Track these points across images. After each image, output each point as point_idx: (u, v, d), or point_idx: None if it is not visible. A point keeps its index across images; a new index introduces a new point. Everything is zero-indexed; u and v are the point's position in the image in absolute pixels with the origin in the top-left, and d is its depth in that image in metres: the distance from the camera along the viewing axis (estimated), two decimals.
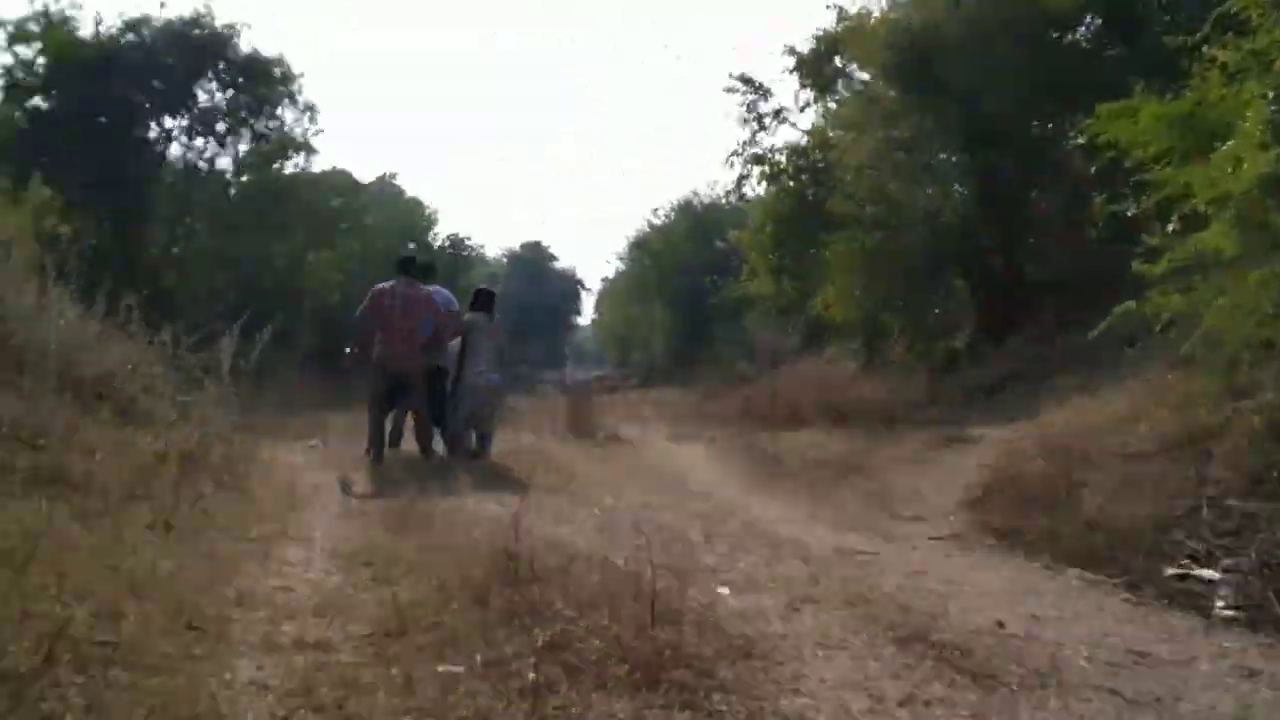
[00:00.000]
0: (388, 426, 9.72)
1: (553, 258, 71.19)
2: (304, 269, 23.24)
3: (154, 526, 5.54)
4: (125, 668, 3.23)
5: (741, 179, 22.68)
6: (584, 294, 72.19)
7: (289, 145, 20.17)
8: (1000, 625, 4.54)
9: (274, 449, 10.17)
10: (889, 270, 18.38)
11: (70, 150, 17.54)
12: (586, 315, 75.87)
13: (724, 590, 4.82)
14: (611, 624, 3.84)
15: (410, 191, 41.64)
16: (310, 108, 25.31)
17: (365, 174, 36.02)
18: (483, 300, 10.08)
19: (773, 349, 31.57)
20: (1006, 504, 7.51)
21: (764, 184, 21.69)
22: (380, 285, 9.39)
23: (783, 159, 20.85)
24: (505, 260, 66.87)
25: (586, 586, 4.47)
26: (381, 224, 34.19)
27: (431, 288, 9.89)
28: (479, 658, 3.49)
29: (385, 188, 56.19)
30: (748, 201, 23.24)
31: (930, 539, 7.11)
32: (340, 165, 42.08)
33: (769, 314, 32.35)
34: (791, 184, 20.56)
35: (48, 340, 8.68)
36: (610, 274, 58.91)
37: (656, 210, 42.51)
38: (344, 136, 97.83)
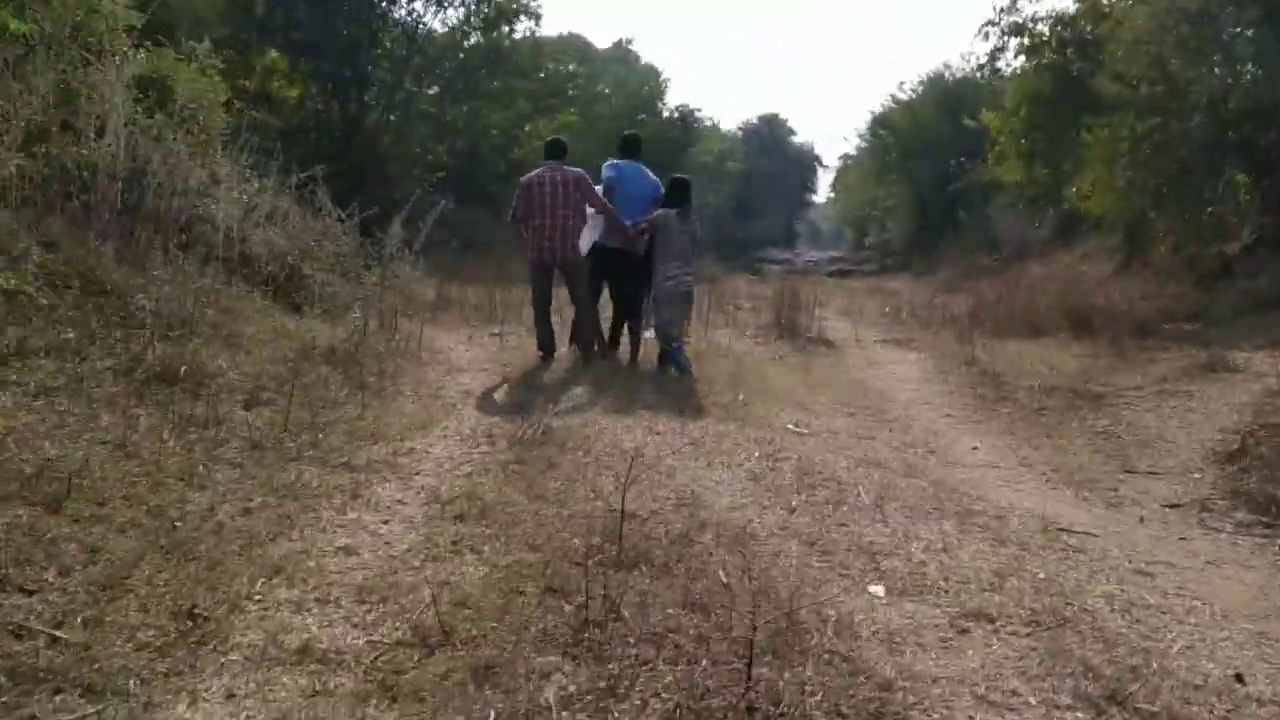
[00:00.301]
0: (557, 325, 8.97)
1: (791, 132, 68.72)
2: (522, 139, 22.88)
3: (255, 445, 5.04)
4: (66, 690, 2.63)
5: (996, 52, 20.53)
6: (821, 171, 69.54)
7: (511, 7, 19.42)
8: (1239, 681, 3.33)
9: (447, 338, 9.72)
10: (1160, 160, 16.05)
11: (288, 9, 17.55)
12: (823, 194, 73.38)
13: (878, 590, 3.79)
14: (700, 651, 2.97)
15: (646, 58, 40.19)
16: None
17: (602, 39, 34.88)
18: (677, 192, 8.99)
19: (1019, 240, 29.20)
20: (1271, 463, 6.06)
21: (1022, 58, 19.40)
22: (529, 175, 8.54)
23: (1045, 29, 18.49)
24: (740, 134, 64.93)
25: (697, 578, 3.60)
26: (609, 92, 33.46)
27: (635, 167, 8.92)
28: (496, 712, 2.70)
29: (619, 54, 55.82)
30: (1002, 77, 20.90)
31: (1166, 506, 5.76)
32: (575, 31, 41.59)
33: (1017, 202, 29.90)
34: (1054, 58, 18.23)
35: (215, 216, 8.43)
36: (851, 151, 56.34)
37: (903, 84, 39.74)
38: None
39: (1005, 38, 19.83)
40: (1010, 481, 6.19)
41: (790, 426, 6.91)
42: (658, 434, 5.99)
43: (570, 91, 30.85)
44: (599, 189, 8.52)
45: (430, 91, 19.82)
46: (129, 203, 7.68)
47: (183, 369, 5.65)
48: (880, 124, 40.13)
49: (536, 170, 8.45)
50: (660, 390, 7.54)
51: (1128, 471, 6.58)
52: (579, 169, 8.42)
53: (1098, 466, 6.70)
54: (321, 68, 18.31)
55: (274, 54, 18.34)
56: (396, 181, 17.51)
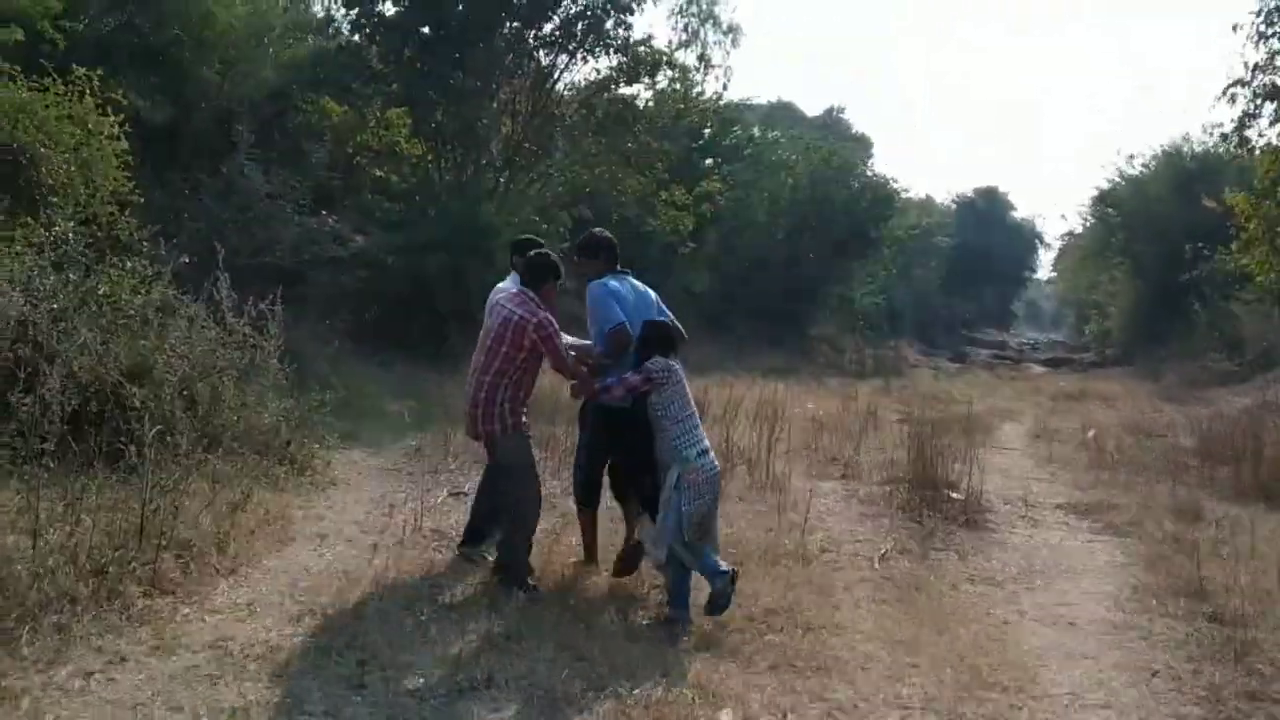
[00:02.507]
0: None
1: (1010, 206, 64.02)
2: (657, 208, 20.46)
3: None
4: None
5: (1246, 118, 16.52)
6: (1043, 249, 64.39)
7: (650, 59, 17.00)
8: None
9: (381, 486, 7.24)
10: None
11: (400, 55, 15.87)
12: (1045, 272, 68.02)
13: None
14: None
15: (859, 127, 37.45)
16: (732, 29, 22.27)
17: (812, 107, 32.58)
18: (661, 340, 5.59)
19: (1266, 343, 24.55)
20: None
21: (1275, 126, 15.52)
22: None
23: None
24: (954, 206, 60.87)
25: None
26: (790, 158, 30.75)
27: (635, 286, 5.82)
28: None
29: (829, 121, 53.17)
30: (1253, 150, 16.96)
31: None
32: (785, 98, 39.30)
33: (1266, 298, 25.20)
34: None
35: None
36: (1075, 228, 51.37)
37: (1132, 158, 35.16)
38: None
39: (1259, 102, 15.92)
40: None
41: None
42: None
43: (745, 157, 28.38)
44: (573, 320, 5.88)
45: (557, 154, 17.73)
46: None
47: None
48: (1104, 201, 35.66)
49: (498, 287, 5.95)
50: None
51: None
52: (541, 317, 5.44)
53: None
54: (430, 121, 16.55)
55: (396, 109, 16.71)
56: (501, 252, 15.37)
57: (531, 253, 5.74)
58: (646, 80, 17.58)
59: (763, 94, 56.68)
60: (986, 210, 62.20)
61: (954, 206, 61.15)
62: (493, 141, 17.09)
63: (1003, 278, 62.67)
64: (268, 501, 6.39)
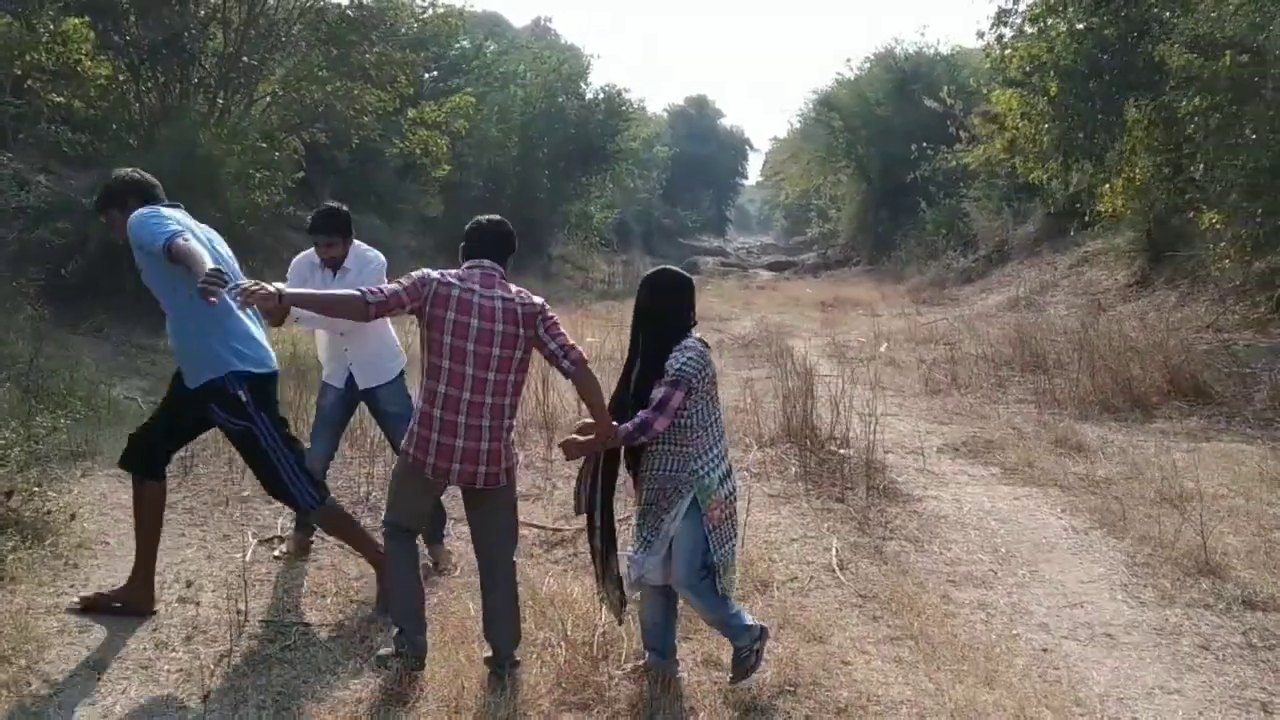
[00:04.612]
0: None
1: (719, 114, 64.85)
2: (405, 127, 18.13)
3: None
4: None
5: (1003, 14, 16.25)
6: (751, 154, 65.88)
7: None
8: None
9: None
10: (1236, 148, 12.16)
11: None
12: (753, 177, 69.71)
13: None
14: None
15: (568, 38, 35.78)
16: None
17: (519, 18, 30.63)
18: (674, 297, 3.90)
19: (997, 238, 25.41)
20: None
21: (1040, 21, 15.27)
22: (433, 273, 3.83)
23: None
24: (666, 116, 60.77)
25: None
26: (524, 70, 28.84)
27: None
28: None
29: (538, 32, 51.13)
30: (1004, 48, 16.75)
31: None
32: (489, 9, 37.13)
33: (993, 193, 26.06)
34: (1088, 20, 14.18)
35: None
36: (782, 134, 52.36)
37: (849, 61, 35.72)
38: None
39: None
40: None
41: None
42: None
43: (472, 69, 26.19)
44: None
45: (279, 70, 14.97)
46: None
47: None
48: (825, 104, 36.03)
49: (450, 271, 3.85)
50: None
51: None
52: (536, 299, 3.85)
53: None
54: (121, 33, 13.47)
55: (74, 20, 13.45)
56: (229, 190, 12.81)
57: (486, 219, 3.98)
58: None
59: (477, 2, 53.79)
60: (698, 118, 62.70)
61: (666, 115, 61.02)
62: (203, 57, 14.16)
63: (717, 185, 63.62)
64: None
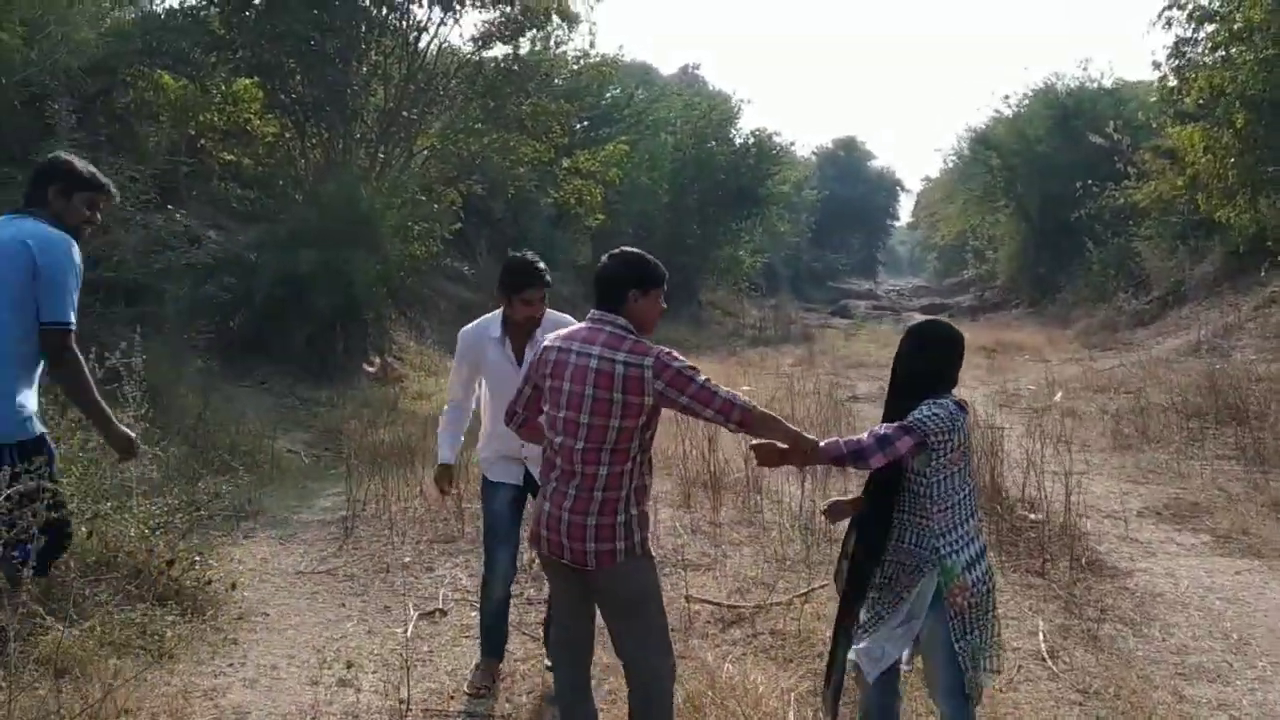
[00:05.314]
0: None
1: (869, 156, 63.95)
2: (559, 176, 18.22)
3: None
4: None
5: (1181, 45, 15.33)
6: (903, 195, 64.76)
7: (542, 7, 14.59)
8: None
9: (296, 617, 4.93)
10: None
11: (261, 21, 13.12)
12: (904, 218, 68.45)
13: None
14: None
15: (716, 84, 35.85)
16: None
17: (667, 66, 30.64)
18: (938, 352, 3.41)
19: (1171, 279, 24.00)
20: None
21: (1223, 49, 14.34)
22: (548, 338, 3.49)
23: (1257, 10, 13.43)
24: (815, 159, 60.20)
25: None
26: (673, 118, 28.86)
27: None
28: None
29: (686, 79, 51.45)
30: (1185, 78, 15.81)
31: None
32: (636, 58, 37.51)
33: (1166, 231, 24.67)
34: (1269, 50, 13.21)
35: None
36: (934, 173, 51.25)
37: (1007, 98, 34.53)
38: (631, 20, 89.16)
39: (1194, 24, 14.77)
40: None
41: None
42: None
43: (623, 117, 26.30)
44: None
45: (437, 124, 15.25)
46: None
47: None
48: (983, 142, 34.94)
49: (561, 334, 3.42)
50: None
51: None
52: (656, 351, 3.21)
53: None
54: (287, 92, 13.87)
55: (244, 80, 14.02)
56: (389, 243, 13.01)
57: (618, 250, 3.40)
58: (532, 33, 15.26)
59: (627, 50, 54.70)
60: (847, 160, 61.97)
61: (814, 159, 60.48)
62: (364, 112, 14.51)
63: (867, 227, 62.69)
64: (147, 696, 3.83)
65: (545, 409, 3.31)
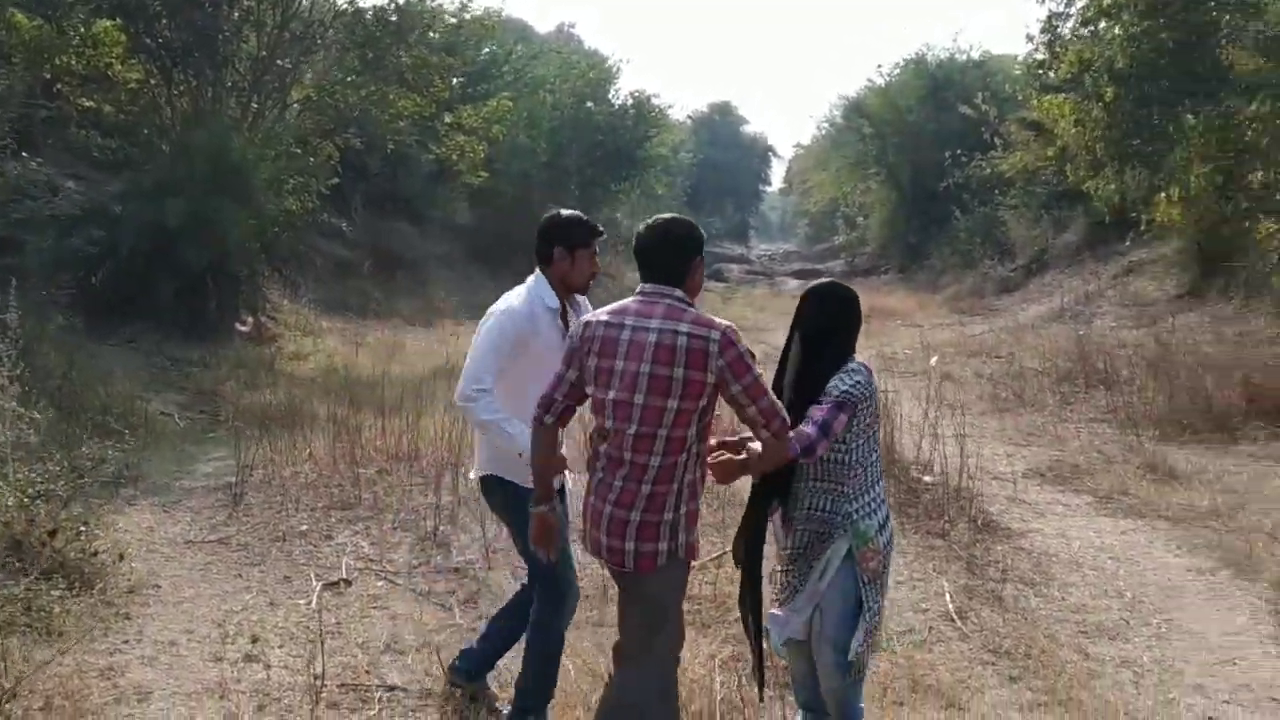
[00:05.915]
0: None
1: (743, 121, 64.52)
2: (441, 132, 17.75)
3: None
4: None
5: (1053, 20, 15.82)
6: (775, 161, 65.61)
7: None
8: None
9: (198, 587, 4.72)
10: None
11: None
12: (775, 185, 69.41)
13: None
14: None
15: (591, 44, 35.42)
16: None
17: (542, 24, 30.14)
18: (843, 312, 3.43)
19: (1035, 246, 24.87)
20: None
21: (1093, 25, 14.84)
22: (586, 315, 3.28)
23: None
24: (690, 123, 60.39)
25: None
26: (552, 77, 28.45)
27: None
28: None
29: (562, 38, 50.85)
30: (1054, 53, 16.32)
31: None
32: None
33: (1031, 200, 25.54)
34: (1143, 24, 13.71)
35: None
36: (806, 140, 52.11)
37: (879, 67, 35.21)
38: None
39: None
40: None
41: None
42: None
43: (501, 75, 25.86)
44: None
45: (310, 74, 14.65)
46: None
47: None
48: (855, 110, 35.59)
49: (606, 309, 3.13)
50: None
51: None
52: (724, 326, 2.96)
53: None
54: (152, 36, 13.13)
55: (105, 22, 13.16)
56: (262, 196, 12.48)
57: (647, 224, 3.19)
58: None
59: (505, 6, 53.63)
60: (721, 125, 62.34)
61: (689, 122, 60.63)
62: (236, 60, 13.83)
63: (740, 192, 63.25)
64: (38, 677, 3.54)
65: (591, 392, 3.04)
